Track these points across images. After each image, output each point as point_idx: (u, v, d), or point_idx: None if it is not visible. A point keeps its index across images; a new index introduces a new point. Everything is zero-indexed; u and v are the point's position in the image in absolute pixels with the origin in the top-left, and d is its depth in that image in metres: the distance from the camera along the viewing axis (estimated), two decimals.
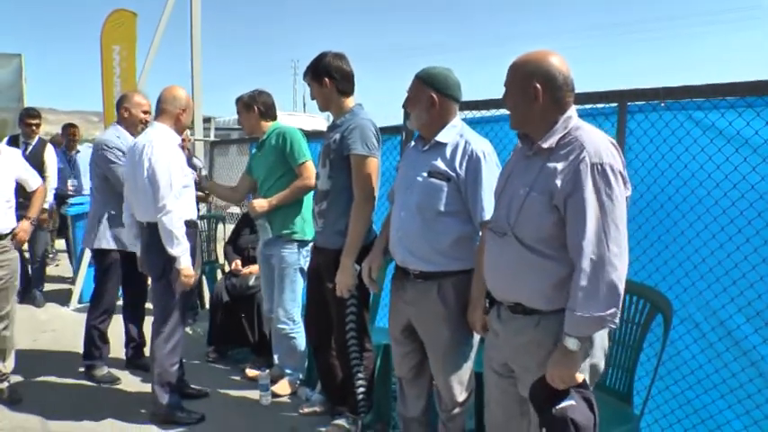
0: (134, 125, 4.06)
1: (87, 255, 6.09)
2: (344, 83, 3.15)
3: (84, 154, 7.17)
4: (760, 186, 2.50)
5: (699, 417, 2.76)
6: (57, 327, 5.32)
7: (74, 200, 6.60)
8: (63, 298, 6.18)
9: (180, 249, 3.21)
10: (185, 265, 3.24)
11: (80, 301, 6.03)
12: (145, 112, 4.09)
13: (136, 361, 4.32)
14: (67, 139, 7.55)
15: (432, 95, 2.55)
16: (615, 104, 2.90)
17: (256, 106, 3.87)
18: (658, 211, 2.85)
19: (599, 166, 1.77)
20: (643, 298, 2.63)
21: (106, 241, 3.98)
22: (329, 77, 3.11)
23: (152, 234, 3.30)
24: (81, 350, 4.08)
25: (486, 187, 2.45)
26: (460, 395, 2.65)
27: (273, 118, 3.94)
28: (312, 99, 3.24)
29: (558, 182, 1.81)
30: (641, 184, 2.89)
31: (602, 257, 1.74)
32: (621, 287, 1.76)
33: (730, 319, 2.63)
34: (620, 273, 1.75)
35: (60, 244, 7.04)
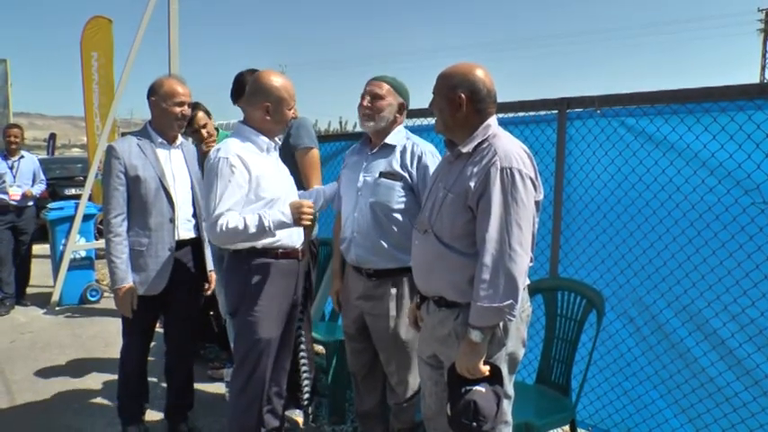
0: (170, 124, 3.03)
1: (66, 259, 6.22)
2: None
3: (28, 160, 6.30)
4: (684, 188, 2.66)
5: (635, 406, 2.93)
6: (35, 329, 5.43)
7: (53, 204, 6.66)
8: (43, 301, 6.30)
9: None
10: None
11: (59, 305, 6.16)
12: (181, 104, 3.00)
13: (175, 424, 3.28)
14: (7, 143, 6.22)
15: (402, 104, 2.70)
16: (556, 111, 3.06)
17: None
18: (596, 212, 3.01)
19: (508, 170, 1.92)
20: (579, 295, 2.77)
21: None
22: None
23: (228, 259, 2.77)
24: (57, 349, 3.98)
25: None
26: (415, 387, 2.74)
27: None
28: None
29: (472, 183, 1.97)
30: (580, 187, 3.05)
31: (502, 253, 1.88)
32: (521, 282, 1.90)
33: (661, 313, 2.80)
34: (519, 268, 1.89)
35: (45, 249, 7.04)
